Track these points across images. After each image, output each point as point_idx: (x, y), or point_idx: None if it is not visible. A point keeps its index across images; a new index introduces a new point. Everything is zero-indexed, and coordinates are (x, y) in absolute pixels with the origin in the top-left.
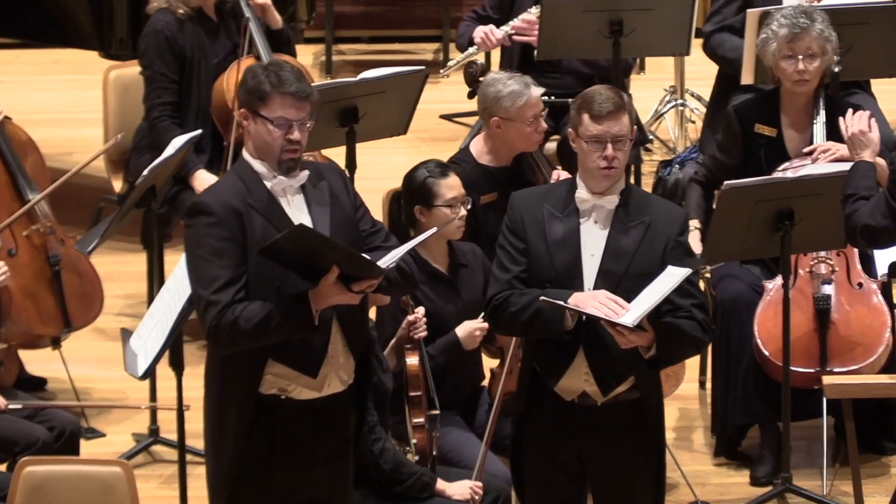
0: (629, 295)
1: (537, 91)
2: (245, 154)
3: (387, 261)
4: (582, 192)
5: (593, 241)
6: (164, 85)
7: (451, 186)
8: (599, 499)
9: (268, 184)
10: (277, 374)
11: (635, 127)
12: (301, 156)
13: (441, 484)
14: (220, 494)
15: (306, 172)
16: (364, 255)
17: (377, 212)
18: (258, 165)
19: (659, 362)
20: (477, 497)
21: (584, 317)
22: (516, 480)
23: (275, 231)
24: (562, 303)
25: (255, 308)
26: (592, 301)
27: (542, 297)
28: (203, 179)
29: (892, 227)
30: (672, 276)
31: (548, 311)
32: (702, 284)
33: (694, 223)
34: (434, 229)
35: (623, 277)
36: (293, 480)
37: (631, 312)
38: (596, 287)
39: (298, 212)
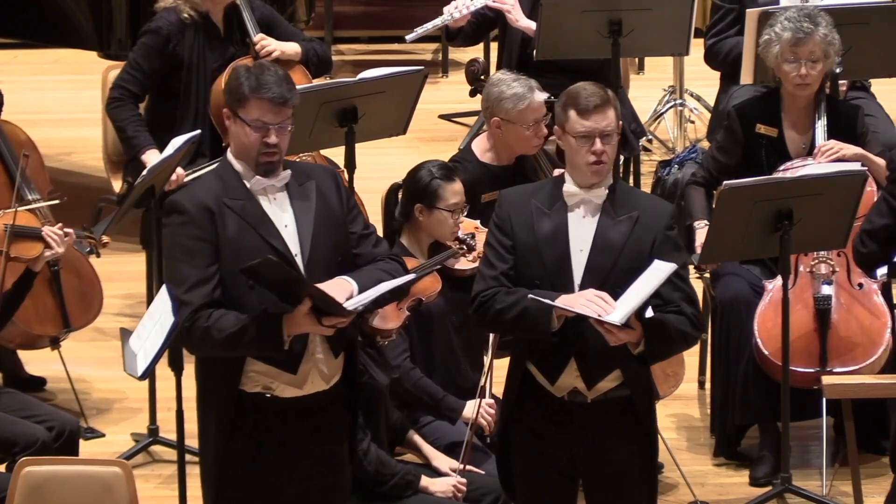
0: (616, 290)
1: (540, 96)
2: (228, 153)
3: (354, 303)
4: (570, 186)
5: (582, 236)
6: (137, 76)
7: (455, 192)
8: (591, 496)
9: (247, 183)
10: (259, 371)
11: (621, 122)
12: (280, 159)
13: (424, 481)
14: (209, 492)
15: (288, 173)
16: (331, 294)
17: (376, 212)
18: (238, 165)
19: (647, 358)
20: (460, 494)
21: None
22: (504, 477)
23: (250, 229)
24: (550, 301)
25: (229, 320)
26: (580, 299)
27: (531, 296)
28: (152, 162)
29: (892, 223)
30: (658, 272)
31: (534, 310)
32: (702, 284)
33: (703, 222)
34: (413, 275)
35: (610, 272)
36: (280, 480)
37: (618, 310)
38: (583, 281)
39: (280, 209)
